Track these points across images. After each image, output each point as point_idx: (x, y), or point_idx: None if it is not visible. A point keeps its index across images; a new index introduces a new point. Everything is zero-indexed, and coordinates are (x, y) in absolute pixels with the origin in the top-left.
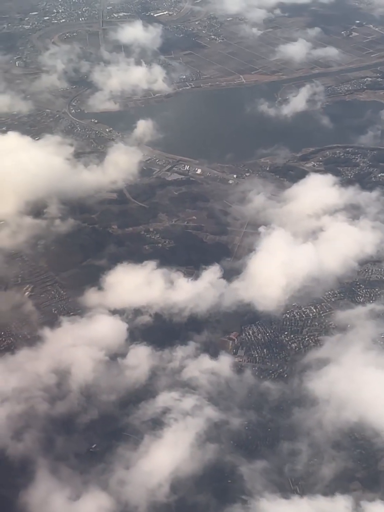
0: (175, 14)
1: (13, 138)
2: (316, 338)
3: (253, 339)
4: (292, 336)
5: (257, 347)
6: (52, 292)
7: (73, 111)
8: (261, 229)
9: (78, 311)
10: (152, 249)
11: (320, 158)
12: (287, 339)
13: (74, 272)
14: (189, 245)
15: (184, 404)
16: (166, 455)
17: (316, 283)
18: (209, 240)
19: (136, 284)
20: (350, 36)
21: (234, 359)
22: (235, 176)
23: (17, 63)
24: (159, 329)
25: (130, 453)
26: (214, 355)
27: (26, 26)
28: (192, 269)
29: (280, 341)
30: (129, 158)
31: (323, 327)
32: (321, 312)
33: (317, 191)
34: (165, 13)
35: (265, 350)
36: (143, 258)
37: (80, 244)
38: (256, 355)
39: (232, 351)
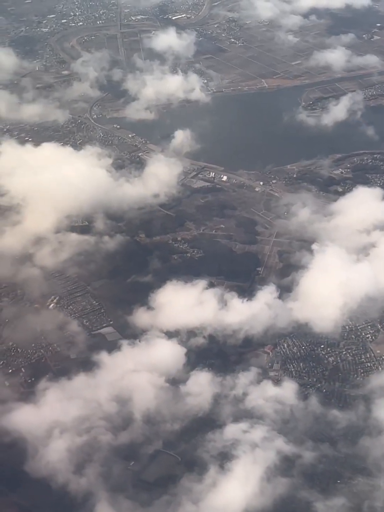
0: (193, 17)
1: (49, 149)
2: (353, 352)
3: (288, 352)
4: (328, 349)
5: (293, 361)
6: (98, 312)
7: (95, 116)
8: (314, 246)
9: (128, 331)
10: (181, 259)
11: (348, 165)
12: (323, 353)
13: (120, 290)
14: (218, 254)
15: (253, 435)
16: (236, 489)
17: (372, 302)
18: (238, 250)
19: (188, 304)
20: (372, 39)
21: (270, 373)
22: (261, 183)
23: (37, 67)
24: (215, 352)
25: (195, 485)
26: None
27: (44, 29)
28: (244, 285)
29: (317, 354)
30: (170, 170)
31: (360, 340)
32: (357, 325)
33: (366, 204)
34: (183, 16)
35: (301, 364)
36: (181, 271)
37: (124, 260)
38: (292, 369)
39: (267, 365)
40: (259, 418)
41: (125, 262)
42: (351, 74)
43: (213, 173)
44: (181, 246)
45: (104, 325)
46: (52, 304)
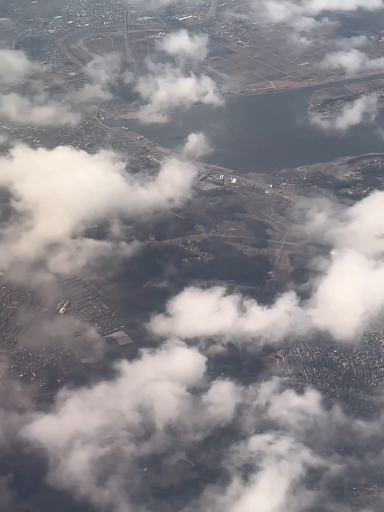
0: (200, 18)
1: (62, 153)
2: (367, 357)
3: (301, 357)
4: (341, 354)
5: (306, 365)
6: (109, 316)
7: (103, 118)
8: (333, 252)
9: (145, 338)
10: (191, 262)
11: (358, 167)
12: (336, 358)
13: (130, 294)
14: (228, 258)
15: (278, 447)
16: (260, 502)
17: None
18: (249, 253)
19: (206, 311)
20: (380, 41)
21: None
22: (271, 185)
23: (45, 68)
24: (235, 360)
25: (218, 497)
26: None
27: (50, 30)
28: (255, 288)
29: (330, 359)
30: (184, 174)
31: (373, 345)
32: (371, 330)
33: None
34: (189, 17)
35: (314, 369)
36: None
37: (134, 264)
38: (306, 374)
39: (279, 370)
40: (283, 428)
41: (136, 266)
42: (360, 76)
43: (223, 176)
44: (191, 250)
45: (115, 329)
46: (62, 308)
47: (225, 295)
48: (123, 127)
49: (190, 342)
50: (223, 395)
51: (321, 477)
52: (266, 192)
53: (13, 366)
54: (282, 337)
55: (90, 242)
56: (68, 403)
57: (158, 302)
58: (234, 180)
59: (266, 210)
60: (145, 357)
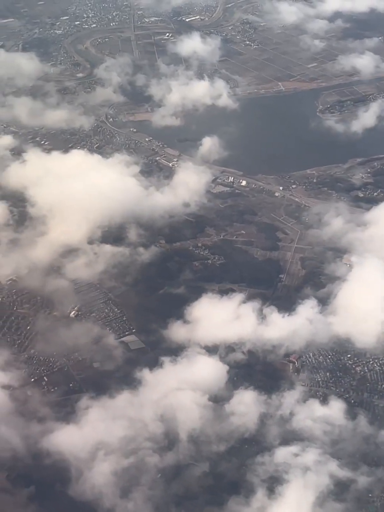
0: (207, 19)
1: (75, 157)
2: (380, 362)
3: (314, 361)
4: (355, 359)
5: (319, 370)
6: (120, 319)
7: (111, 119)
8: (354, 258)
9: (163, 345)
10: (202, 265)
11: (368, 169)
12: (350, 362)
13: (148, 300)
14: (239, 261)
15: (304, 458)
16: None
17: None
18: (260, 256)
19: (225, 318)
20: None
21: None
22: (281, 188)
23: (52, 70)
24: (255, 368)
25: (242, 508)
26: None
27: (57, 31)
28: (267, 292)
29: (343, 364)
30: (199, 178)
31: None
32: None
33: None
34: (197, 17)
35: (328, 374)
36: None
37: (144, 267)
38: (319, 379)
39: (292, 375)
40: (308, 439)
41: (147, 270)
42: (369, 77)
43: (232, 178)
44: (202, 253)
45: (127, 333)
46: (73, 312)
47: (244, 302)
48: (131, 129)
49: (209, 349)
50: (246, 404)
51: (349, 489)
52: (276, 194)
53: (24, 370)
54: (303, 345)
55: (106, 247)
56: (90, 412)
57: (173, 307)
58: (244, 183)
59: (276, 213)
60: (166, 365)
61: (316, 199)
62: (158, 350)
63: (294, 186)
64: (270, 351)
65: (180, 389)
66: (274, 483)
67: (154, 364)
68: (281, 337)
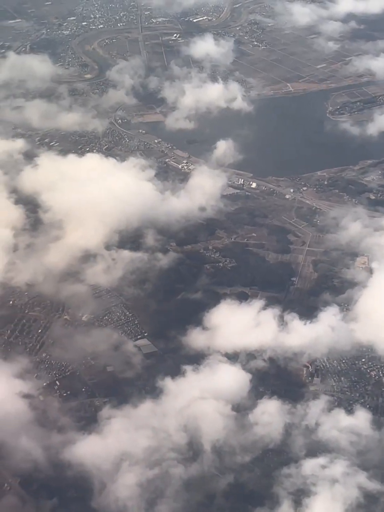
0: (214, 19)
1: (88, 161)
2: None
3: (328, 366)
4: (370, 363)
5: (333, 375)
6: (132, 323)
7: (120, 121)
8: (374, 265)
9: (182, 352)
10: (213, 268)
11: (379, 171)
12: (365, 367)
13: (172, 308)
14: (251, 264)
15: (331, 470)
16: None
17: None
18: (271, 259)
19: (245, 325)
20: None
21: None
22: (291, 190)
23: (61, 71)
24: (277, 376)
25: None
26: (349, 409)
27: (65, 32)
28: (279, 295)
29: (358, 368)
30: (214, 182)
31: None
32: None
33: None
34: (204, 18)
35: (342, 379)
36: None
37: (172, 277)
38: (333, 384)
39: (306, 379)
40: (334, 450)
41: (164, 275)
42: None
43: (242, 180)
44: (213, 255)
45: (139, 337)
46: (85, 316)
47: (264, 308)
48: (140, 130)
49: (230, 356)
50: (270, 414)
51: (378, 501)
52: (287, 196)
53: (36, 374)
54: (325, 353)
55: (124, 253)
56: (112, 422)
57: (190, 313)
58: (254, 185)
59: (287, 215)
60: (187, 373)
61: (328, 201)
62: (177, 357)
63: (304, 188)
64: (291, 358)
65: (203, 398)
66: (301, 495)
67: (175, 372)
68: (302, 345)
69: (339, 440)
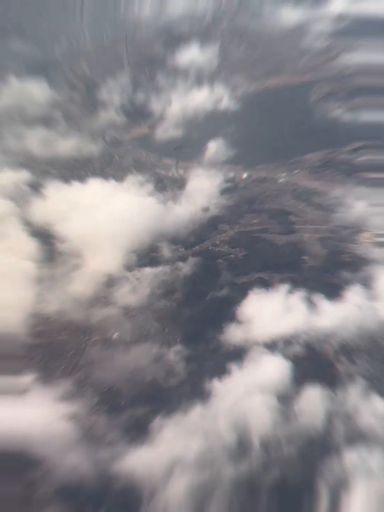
0: (196, 24)
1: (95, 185)
2: None
3: (360, 346)
4: None
5: (364, 355)
6: (166, 334)
7: (107, 139)
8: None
9: (222, 350)
10: (227, 261)
11: (369, 152)
12: None
13: (204, 310)
14: (261, 249)
15: (372, 460)
16: None
17: None
18: (278, 241)
19: (277, 311)
20: None
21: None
22: (284, 174)
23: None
24: (313, 360)
25: None
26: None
27: (54, 51)
28: (295, 276)
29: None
30: (210, 182)
31: None
32: None
33: None
34: (189, 25)
35: (374, 360)
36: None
37: (197, 281)
38: (365, 365)
39: (339, 361)
40: (374, 439)
41: (188, 281)
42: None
43: (232, 173)
44: (222, 249)
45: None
46: (115, 334)
47: (290, 292)
48: (129, 147)
49: (268, 345)
50: (312, 402)
51: None
52: (280, 181)
53: (77, 395)
54: (354, 333)
55: (146, 270)
56: (164, 432)
57: (222, 311)
58: (244, 175)
59: (284, 198)
60: (232, 371)
61: (322, 181)
62: (219, 356)
63: (296, 171)
64: (324, 340)
65: (250, 393)
66: (340, 487)
67: (220, 371)
68: (332, 326)
69: (376, 427)
